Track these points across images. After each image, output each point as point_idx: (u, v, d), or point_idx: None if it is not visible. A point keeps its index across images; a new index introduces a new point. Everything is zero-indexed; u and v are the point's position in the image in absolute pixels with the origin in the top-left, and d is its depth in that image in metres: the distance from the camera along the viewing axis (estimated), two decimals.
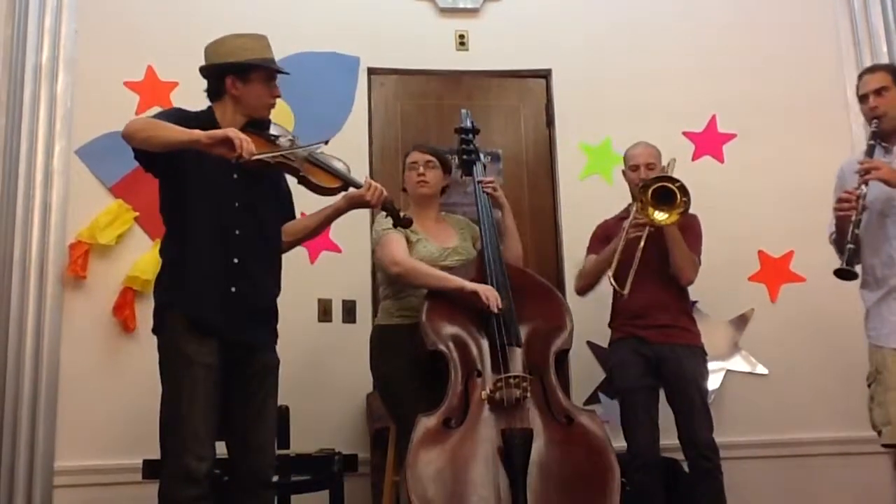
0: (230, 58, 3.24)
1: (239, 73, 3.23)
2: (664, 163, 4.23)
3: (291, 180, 3.33)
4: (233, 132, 2.94)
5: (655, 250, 4.02)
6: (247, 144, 2.92)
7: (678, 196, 3.87)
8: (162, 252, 3.22)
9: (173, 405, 3.03)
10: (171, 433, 3.03)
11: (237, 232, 3.13)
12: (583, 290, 4.28)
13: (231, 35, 3.31)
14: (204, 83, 3.34)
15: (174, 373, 3.06)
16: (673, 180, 3.90)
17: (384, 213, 3.42)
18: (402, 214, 3.37)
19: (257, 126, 3.25)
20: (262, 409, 3.21)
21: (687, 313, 4.19)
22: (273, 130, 3.29)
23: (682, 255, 4.04)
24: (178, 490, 2.97)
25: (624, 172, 4.30)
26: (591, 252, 4.29)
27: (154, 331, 3.18)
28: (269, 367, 3.26)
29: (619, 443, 4.25)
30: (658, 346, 4.04)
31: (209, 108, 3.31)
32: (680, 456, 4.09)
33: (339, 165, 3.31)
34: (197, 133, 2.93)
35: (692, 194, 3.88)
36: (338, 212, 3.38)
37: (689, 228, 4.13)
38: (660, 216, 3.92)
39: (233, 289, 3.11)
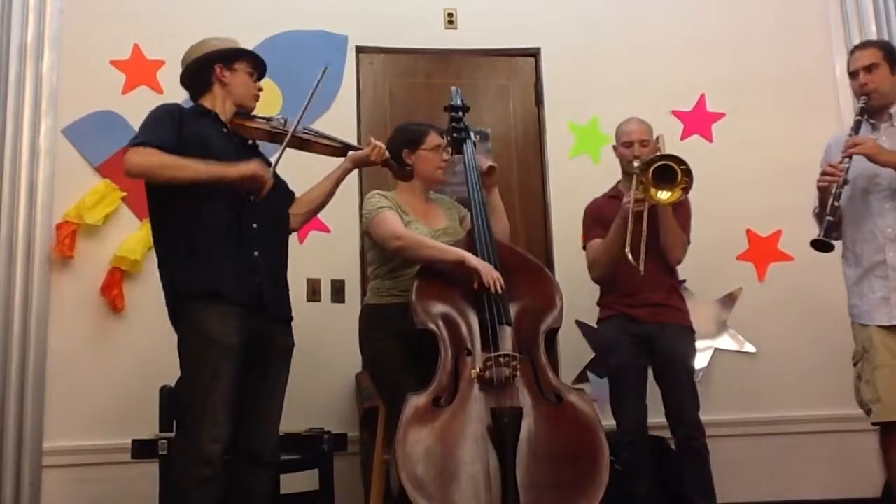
0: (213, 49, 3.38)
1: (225, 60, 3.37)
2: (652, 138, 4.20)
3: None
4: (259, 170, 3.10)
5: (646, 229, 3.99)
6: (267, 180, 3.13)
7: (679, 174, 3.84)
8: (163, 237, 3.25)
9: (194, 386, 3.06)
10: (190, 413, 3.07)
11: (252, 198, 3.18)
12: (601, 277, 4.18)
13: (206, 39, 3.45)
14: None
15: (196, 353, 3.08)
16: (678, 160, 3.86)
17: (379, 193, 3.51)
18: (402, 166, 3.60)
19: (247, 115, 3.42)
20: (274, 390, 3.29)
21: (676, 292, 4.18)
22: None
23: (674, 234, 4.02)
24: (192, 470, 3.00)
25: (615, 148, 4.25)
26: (591, 236, 4.20)
27: (174, 323, 3.19)
28: (286, 350, 3.35)
29: (608, 421, 4.28)
30: (648, 324, 4.04)
31: (198, 103, 3.40)
32: (666, 434, 4.10)
33: (334, 136, 3.53)
34: (225, 170, 3.10)
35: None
36: (345, 172, 3.58)
37: (680, 207, 4.09)
38: (663, 195, 3.86)
39: (255, 253, 3.18)
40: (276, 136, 3.38)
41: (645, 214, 3.92)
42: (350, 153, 3.51)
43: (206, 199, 3.13)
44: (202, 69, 3.38)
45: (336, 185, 3.58)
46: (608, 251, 4.05)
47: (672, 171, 3.83)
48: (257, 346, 3.17)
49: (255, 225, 3.18)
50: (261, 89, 3.48)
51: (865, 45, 3.95)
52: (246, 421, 3.19)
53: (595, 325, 4.86)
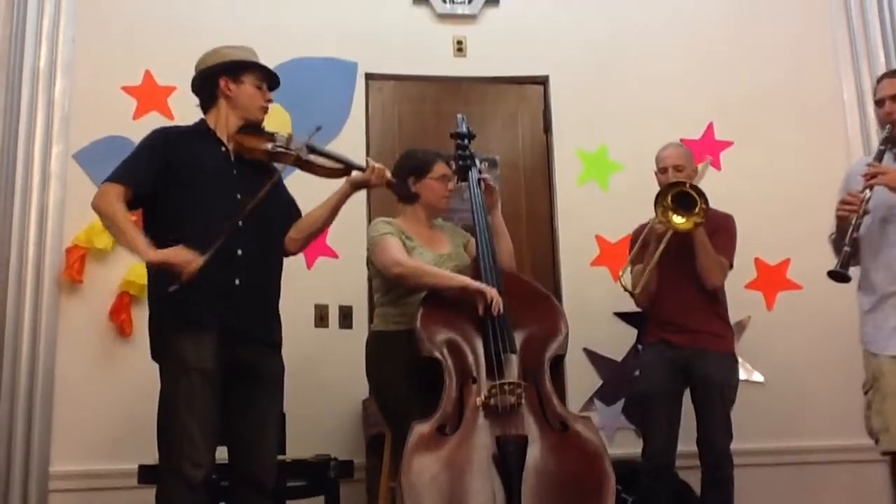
0: (221, 60, 3.33)
1: (231, 73, 3.31)
2: (699, 164, 4.23)
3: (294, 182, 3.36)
4: (171, 259, 2.97)
5: (685, 254, 4.00)
6: (186, 268, 2.95)
7: (698, 201, 3.85)
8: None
9: (170, 411, 3.03)
10: (167, 439, 3.03)
11: (241, 223, 3.12)
12: (644, 301, 4.17)
13: (220, 46, 3.40)
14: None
15: (172, 378, 3.05)
16: (691, 186, 3.88)
17: (383, 220, 3.44)
18: (406, 190, 3.50)
19: (252, 129, 3.34)
20: (265, 415, 3.22)
21: (720, 317, 4.14)
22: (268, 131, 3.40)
23: (708, 257, 4.00)
24: (174, 496, 2.98)
25: (656, 174, 4.23)
26: (635, 263, 4.17)
27: (153, 356, 3.17)
28: (273, 374, 3.28)
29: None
30: (687, 350, 4.02)
31: (201, 119, 3.37)
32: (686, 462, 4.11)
33: (338, 154, 3.44)
34: (143, 250, 3.02)
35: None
36: (344, 196, 3.42)
37: (723, 230, 4.11)
38: (678, 220, 3.88)
39: (236, 281, 3.12)
40: (275, 157, 3.29)
41: (664, 241, 3.93)
42: (348, 177, 3.41)
43: (188, 220, 3.11)
44: (207, 81, 3.34)
45: (335, 210, 3.46)
46: (643, 274, 4.06)
47: (692, 199, 3.85)
48: (240, 373, 3.13)
49: (239, 251, 3.12)
50: (270, 100, 3.41)
51: (894, 73, 3.87)
52: (239, 448, 3.18)
53: (601, 354, 4.89)
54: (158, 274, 3.11)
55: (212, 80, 3.32)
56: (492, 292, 3.48)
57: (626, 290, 4.07)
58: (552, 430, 3.37)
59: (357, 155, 4.88)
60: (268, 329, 3.29)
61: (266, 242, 3.27)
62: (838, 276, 3.48)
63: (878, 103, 3.75)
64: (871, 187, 3.51)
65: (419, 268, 3.60)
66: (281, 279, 3.39)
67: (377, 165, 3.41)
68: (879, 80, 3.84)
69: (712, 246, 4.01)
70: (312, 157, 3.34)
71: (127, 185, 3.13)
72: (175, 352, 3.05)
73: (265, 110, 3.40)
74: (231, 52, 3.36)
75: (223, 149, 3.29)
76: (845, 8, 5.51)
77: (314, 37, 5.09)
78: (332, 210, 3.45)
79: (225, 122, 3.30)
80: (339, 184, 3.46)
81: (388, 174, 3.46)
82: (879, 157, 3.64)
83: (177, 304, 3.03)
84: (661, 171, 4.17)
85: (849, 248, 3.49)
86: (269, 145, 3.28)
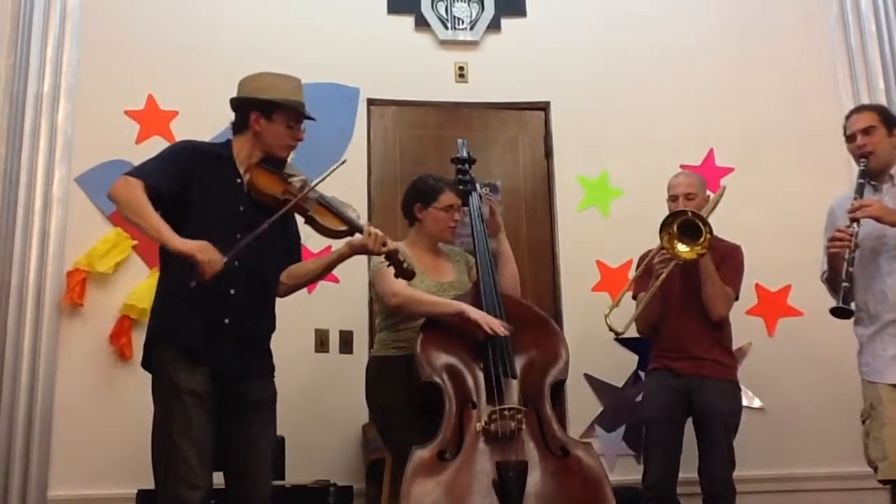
0: (258, 94, 3.27)
1: (263, 109, 3.25)
2: (715, 191, 4.24)
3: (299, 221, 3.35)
4: (200, 253, 2.91)
5: (691, 283, 4.02)
6: (209, 266, 2.91)
7: (703, 231, 3.86)
8: (159, 282, 3.22)
9: (164, 433, 3.01)
10: (162, 461, 3.01)
11: (237, 263, 3.06)
12: (644, 331, 4.21)
13: (267, 72, 3.36)
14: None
15: (164, 401, 3.04)
16: (694, 214, 3.89)
17: (387, 263, 3.37)
18: (404, 265, 3.33)
19: (273, 164, 3.29)
20: (257, 440, 3.19)
21: (722, 346, 4.14)
22: (288, 170, 3.31)
23: (714, 288, 4.01)
24: None
25: (667, 202, 4.23)
26: (638, 290, 4.19)
27: (143, 364, 3.16)
28: (265, 399, 3.24)
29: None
30: (688, 377, 4.03)
31: (228, 141, 3.34)
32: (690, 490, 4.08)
33: (348, 211, 3.33)
34: (170, 237, 2.94)
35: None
36: (341, 258, 3.37)
37: (729, 260, 4.14)
38: (682, 248, 3.89)
39: (226, 320, 3.10)
40: (283, 204, 3.18)
41: (663, 274, 3.94)
42: (348, 239, 3.32)
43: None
44: (241, 108, 3.30)
45: (330, 268, 3.44)
46: (648, 306, 4.07)
47: (698, 228, 3.85)
48: (231, 400, 3.11)
49: (232, 291, 3.09)
50: (300, 139, 3.34)
51: (861, 108, 3.98)
52: (234, 475, 3.16)
53: (602, 380, 4.87)
54: (162, 286, 3.15)
55: (244, 109, 3.29)
56: (490, 320, 3.48)
57: (610, 329, 4.04)
58: (552, 456, 3.37)
59: (359, 179, 4.94)
60: (259, 365, 3.25)
61: (260, 282, 3.22)
62: (842, 311, 3.50)
63: (850, 139, 3.82)
64: (857, 220, 3.54)
65: (415, 297, 3.61)
66: (275, 315, 3.32)
67: (376, 231, 3.28)
68: (848, 116, 3.91)
69: (719, 276, 4.01)
70: (318, 216, 3.23)
71: (151, 185, 3.04)
72: (170, 374, 3.04)
73: (291, 149, 3.35)
74: (272, 84, 3.30)
75: (238, 181, 3.25)
76: (845, 35, 5.54)
77: (316, 63, 5.08)
78: (327, 267, 3.43)
79: (248, 154, 3.26)
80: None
81: (389, 242, 3.32)
82: (860, 190, 3.67)
83: (174, 329, 3.06)
84: (672, 198, 4.18)
85: (847, 283, 3.50)
86: (280, 191, 3.20)
